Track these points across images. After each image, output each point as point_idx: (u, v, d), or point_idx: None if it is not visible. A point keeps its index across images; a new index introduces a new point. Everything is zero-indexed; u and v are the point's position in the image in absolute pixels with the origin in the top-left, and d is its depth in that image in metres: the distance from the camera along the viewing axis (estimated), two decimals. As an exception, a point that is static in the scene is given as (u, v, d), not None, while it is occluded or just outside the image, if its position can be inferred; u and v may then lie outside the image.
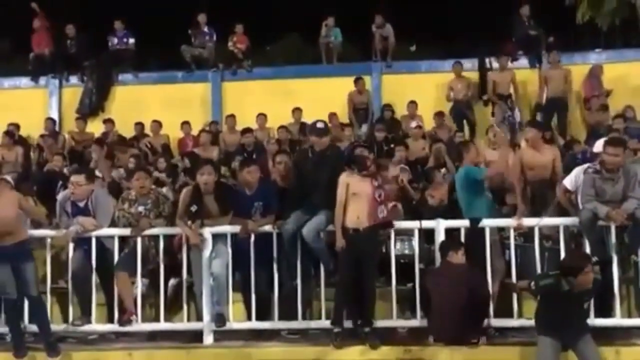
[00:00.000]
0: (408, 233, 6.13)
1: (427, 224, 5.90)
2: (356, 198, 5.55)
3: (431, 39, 13.81)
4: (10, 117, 11.03)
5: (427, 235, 6.00)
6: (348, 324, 5.60)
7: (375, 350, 5.44)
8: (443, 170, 7.67)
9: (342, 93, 11.07)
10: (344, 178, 5.61)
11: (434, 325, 5.45)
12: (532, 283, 4.93)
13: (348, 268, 5.49)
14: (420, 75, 11.69)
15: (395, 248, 5.89)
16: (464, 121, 10.65)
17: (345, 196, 5.56)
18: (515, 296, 5.66)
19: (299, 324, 5.87)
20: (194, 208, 5.94)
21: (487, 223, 5.73)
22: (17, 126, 10.85)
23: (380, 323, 5.67)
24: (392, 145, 9.47)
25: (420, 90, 11.09)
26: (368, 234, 5.53)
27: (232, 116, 11.08)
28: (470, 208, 5.85)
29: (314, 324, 5.91)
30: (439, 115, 10.44)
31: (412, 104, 10.60)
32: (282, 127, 10.33)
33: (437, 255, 5.68)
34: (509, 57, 11.05)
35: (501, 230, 5.96)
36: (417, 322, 5.71)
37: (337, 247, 5.56)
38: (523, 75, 11.09)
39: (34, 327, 5.79)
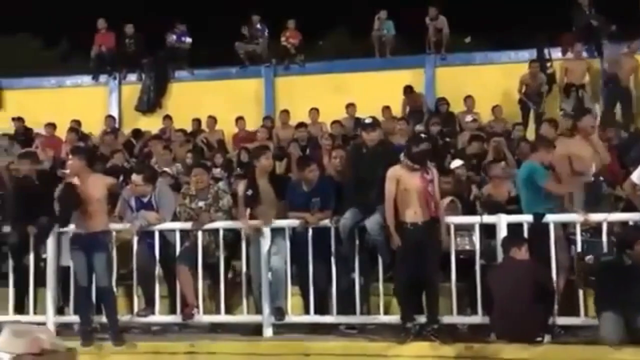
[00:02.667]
0: (468, 228, 6.03)
1: (488, 219, 5.79)
2: (408, 193, 5.47)
3: (486, 30, 13.54)
4: (72, 115, 11.38)
5: (487, 231, 5.90)
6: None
7: (445, 346, 5.37)
8: (502, 164, 7.49)
9: (395, 87, 10.95)
10: (393, 172, 5.54)
11: (497, 322, 5.35)
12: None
13: (409, 263, 5.43)
14: (475, 67, 11.48)
15: (455, 243, 5.80)
16: (530, 113, 10.36)
17: (396, 191, 5.49)
18: (581, 293, 5.50)
19: (358, 318, 5.87)
20: (249, 192, 6.03)
21: (552, 218, 5.58)
22: (79, 123, 11.21)
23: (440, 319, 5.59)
24: (447, 139, 9.36)
25: (475, 83, 10.88)
26: (427, 228, 5.47)
27: (285, 111, 11.15)
28: (531, 203, 5.71)
29: (372, 318, 5.89)
30: (496, 108, 10.21)
31: (469, 98, 10.38)
32: (335, 122, 10.30)
33: (499, 250, 5.56)
34: (581, 44, 10.59)
35: (565, 225, 5.80)
36: (478, 318, 5.63)
37: (393, 245, 5.51)
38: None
39: (101, 317, 5.98)
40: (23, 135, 11.13)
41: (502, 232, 5.63)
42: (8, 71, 13.77)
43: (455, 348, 5.40)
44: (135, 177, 6.27)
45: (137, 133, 11.18)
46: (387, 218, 5.51)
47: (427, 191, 5.45)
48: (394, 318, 5.73)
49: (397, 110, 10.77)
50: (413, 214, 5.46)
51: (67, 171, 5.88)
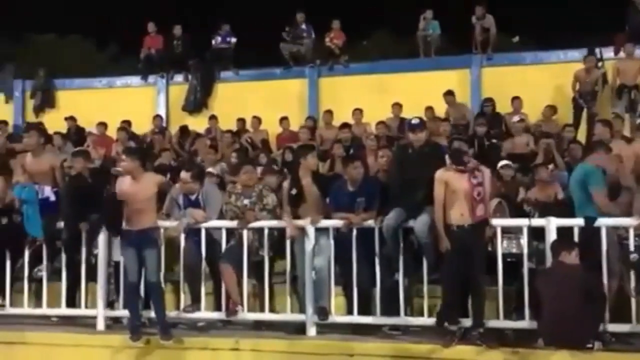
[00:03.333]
0: (515, 231, 5.93)
1: (536, 221, 5.68)
2: (455, 196, 5.44)
3: (535, 29, 13.27)
4: (122, 114, 11.70)
5: (535, 234, 5.78)
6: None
7: (490, 351, 5.30)
8: (551, 166, 7.35)
9: (440, 87, 10.84)
10: (441, 175, 5.52)
11: (545, 327, 5.24)
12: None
13: (455, 266, 5.39)
14: (523, 67, 11.27)
15: (501, 246, 5.70)
16: (582, 114, 10.10)
17: (445, 194, 5.45)
18: (633, 301, 5.34)
19: (401, 320, 5.85)
20: (294, 191, 6.07)
21: (604, 222, 5.43)
22: (129, 123, 11.50)
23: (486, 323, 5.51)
24: (493, 141, 9.22)
25: (523, 84, 10.68)
26: (473, 230, 5.40)
27: (329, 112, 11.19)
28: (583, 206, 5.57)
29: (416, 320, 5.86)
30: (546, 109, 9.99)
31: (517, 99, 10.18)
32: (380, 122, 10.28)
33: (548, 254, 5.45)
34: (634, 44, 10.26)
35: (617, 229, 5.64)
36: (525, 323, 5.52)
37: (441, 248, 5.47)
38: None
39: (149, 312, 6.12)
40: (75, 134, 11.51)
41: (551, 235, 5.51)
42: (61, 72, 14.26)
43: (501, 353, 5.31)
44: (184, 175, 6.39)
45: (184, 130, 11.40)
46: (437, 220, 5.47)
47: (472, 196, 5.38)
48: (440, 320, 5.67)
49: (440, 111, 10.68)
50: (460, 216, 5.41)
51: (120, 169, 6.03)
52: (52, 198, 6.67)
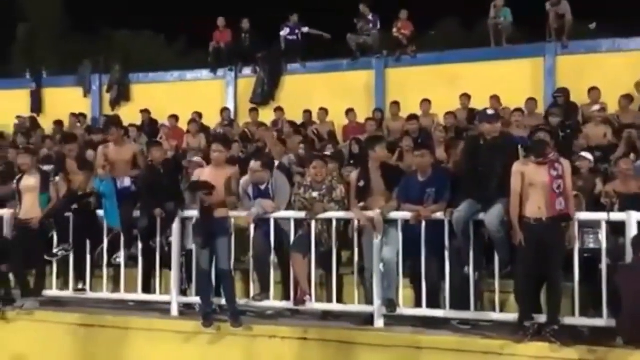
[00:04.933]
0: (593, 225, 5.70)
1: (616, 216, 5.44)
2: (533, 189, 5.28)
3: (613, 15, 12.64)
4: (193, 107, 12.03)
5: (614, 229, 5.54)
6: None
7: (565, 348, 5.14)
8: (632, 157, 7.00)
9: (512, 77, 10.53)
10: (518, 167, 5.37)
11: (625, 326, 5.02)
12: None
13: (530, 260, 5.23)
14: (601, 55, 10.79)
15: (579, 241, 5.50)
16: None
17: (521, 186, 5.30)
18: None
19: (471, 314, 5.75)
20: (361, 183, 6.07)
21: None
22: (200, 115, 11.79)
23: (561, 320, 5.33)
24: (568, 132, 8.87)
25: (601, 72, 10.23)
26: (551, 224, 5.23)
27: (396, 103, 11.09)
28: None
29: (487, 315, 5.74)
30: (625, 98, 9.52)
31: (595, 90, 9.70)
32: (449, 113, 10.10)
33: (629, 250, 5.21)
34: None
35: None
36: (602, 321, 5.32)
37: (515, 241, 5.33)
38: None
39: (220, 300, 6.27)
40: (149, 126, 11.90)
41: (632, 230, 5.26)
42: (134, 67, 14.78)
43: (577, 351, 5.14)
44: (254, 164, 6.50)
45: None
46: (512, 214, 5.34)
47: (552, 188, 5.21)
48: (510, 316, 5.56)
49: (509, 101, 10.33)
50: (537, 210, 5.26)
51: (196, 159, 6.19)
52: (133, 188, 6.94)
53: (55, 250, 6.88)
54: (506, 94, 10.36)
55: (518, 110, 9.78)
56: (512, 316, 5.52)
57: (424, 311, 5.87)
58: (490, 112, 5.88)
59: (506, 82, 10.59)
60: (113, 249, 7.05)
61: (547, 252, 5.20)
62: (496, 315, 5.66)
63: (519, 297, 5.41)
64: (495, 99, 10.04)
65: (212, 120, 11.91)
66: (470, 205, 5.69)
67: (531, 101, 10.02)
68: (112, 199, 6.83)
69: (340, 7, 13.60)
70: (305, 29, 12.64)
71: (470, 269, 5.74)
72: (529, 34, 12.18)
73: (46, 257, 6.92)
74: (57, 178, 7.26)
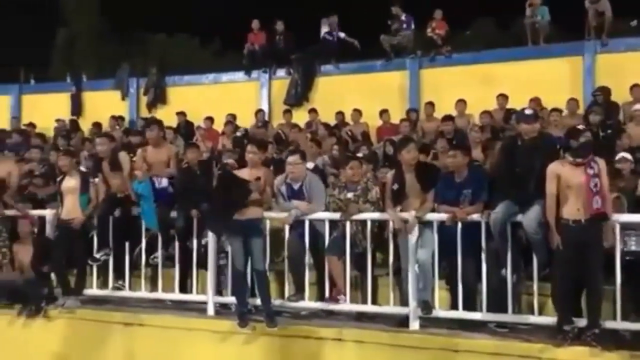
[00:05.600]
0: (634, 227, 5.56)
1: (659, 218, 5.31)
2: (570, 190, 5.19)
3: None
4: (228, 109, 12.16)
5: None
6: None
7: (606, 352, 5.04)
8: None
9: (550, 76, 10.34)
10: (554, 168, 5.28)
11: (669, 331, 4.89)
12: None
13: (569, 262, 5.14)
14: (642, 53, 10.50)
15: (620, 243, 5.37)
16: None
17: (558, 188, 5.21)
18: None
19: (509, 317, 5.66)
20: (395, 186, 6.04)
21: None
22: (234, 117, 11.90)
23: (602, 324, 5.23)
24: (608, 131, 8.68)
25: (642, 71, 9.95)
26: (590, 225, 5.13)
27: (431, 103, 11.01)
28: None
29: (525, 318, 5.64)
30: (666, 96, 9.28)
31: (637, 87, 9.48)
32: (485, 112, 9.96)
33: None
34: None
35: None
36: (646, 325, 5.19)
37: (552, 244, 5.24)
38: None
39: (255, 300, 6.31)
40: (185, 128, 12.07)
41: (676, 233, 5.12)
42: (171, 69, 15.02)
43: (619, 355, 5.03)
44: (292, 158, 6.53)
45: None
46: (548, 216, 5.26)
47: (588, 188, 5.12)
48: (549, 319, 5.46)
49: (548, 101, 10.16)
50: (576, 211, 5.17)
51: (232, 160, 6.25)
52: (170, 189, 7.06)
53: (97, 255, 7.04)
54: (544, 94, 10.18)
55: (556, 110, 9.62)
56: (551, 319, 5.43)
57: (460, 313, 5.82)
58: (528, 112, 5.81)
59: (544, 82, 10.40)
60: (151, 249, 7.17)
61: (586, 254, 5.11)
62: (534, 318, 5.57)
63: (556, 301, 5.32)
64: (535, 101, 9.88)
65: (246, 121, 12.00)
66: (507, 206, 5.62)
67: (572, 101, 9.84)
68: (149, 200, 6.95)
69: (374, 8, 13.56)
70: (342, 34, 12.63)
71: (508, 271, 5.65)
72: (567, 32, 11.94)
73: (89, 262, 7.08)
74: (97, 180, 7.44)
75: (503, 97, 10.43)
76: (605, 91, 9.84)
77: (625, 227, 5.49)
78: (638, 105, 8.85)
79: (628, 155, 6.98)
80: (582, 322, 5.25)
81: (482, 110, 10.09)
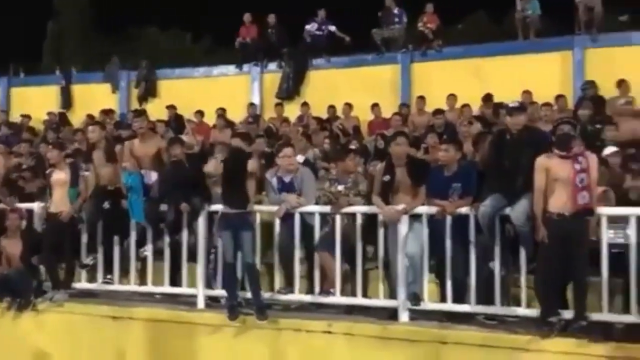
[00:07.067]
0: (621, 221, 5.59)
1: (645, 211, 5.33)
2: (557, 183, 5.22)
3: (645, 7, 12.37)
4: (219, 102, 12.10)
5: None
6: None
7: (593, 344, 5.08)
8: (663, 152, 6.84)
9: (540, 70, 10.37)
10: (542, 161, 5.30)
11: (655, 322, 4.93)
12: None
13: (554, 255, 5.17)
14: (631, 48, 10.53)
15: (607, 236, 5.41)
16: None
17: (546, 181, 5.23)
18: None
19: (497, 309, 5.69)
20: (386, 178, 6.04)
21: None
22: (224, 110, 11.85)
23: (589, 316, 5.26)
24: (597, 126, 8.71)
25: (631, 66, 9.99)
26: (575, 218, 5.16)
27: (422, 97, 11.02)
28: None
29: (513, 310, 5.67)
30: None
31: (623, 82, 9.55)
32: (465, 105, 9.97)
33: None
34: None
35: None
36: (632, 317, 5.23)
37: (538, 237, 5.27)
38: None
39: (245, 293, 6.31)
40: (175, 121, 12.01)
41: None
42: (162, 63, 14.93)
43: (605, 347, 5.07)
44: (287, 150, 6.53)
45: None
46: (536, 210, 5.28)
47: (574, 183, 5.14)
48: (537, 311, 5.47)
49: (540, 95, 10.20)
50: (562, 204, 5.19)
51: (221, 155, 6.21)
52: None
53: (86, 261, 7.06)
54: (534, 88, 10.20)
55: (547, 104, 9.64)
56: (538, 312, 5.44)
57: (449, 306, 5.84)
58: (513, 104, 5.80)
59: (534, 76, 10.44)
60: (140, 242, 7.15)
61: (571, 247, 5.14)
62: (522, 311, 5.60)
63: (539, 292, 5.35)
64: (527, 93, 9.90)
65: (238, 115, 11.96)
66: (496, 199, 5.64)
67: (561, 98, 9.88)
68: (138, 193, 6.91)
69: (365, 1, 13.54)
70: (332, 28, 12.61)
71: (496, 264, 5.68)
72: (557, 26, 11.97)
73: (78, 267, 7.08)
74: (87, 173, 7.39)
75: (453, 97, 10.52)
76: (593, 85, 9.88)
77: (613, 220, 5.52)
78: (622, 100, 8.90)
79: (617, 149, 7.02)
80: (568, 314, 5.28)
81: (473, 104, 10.09)
